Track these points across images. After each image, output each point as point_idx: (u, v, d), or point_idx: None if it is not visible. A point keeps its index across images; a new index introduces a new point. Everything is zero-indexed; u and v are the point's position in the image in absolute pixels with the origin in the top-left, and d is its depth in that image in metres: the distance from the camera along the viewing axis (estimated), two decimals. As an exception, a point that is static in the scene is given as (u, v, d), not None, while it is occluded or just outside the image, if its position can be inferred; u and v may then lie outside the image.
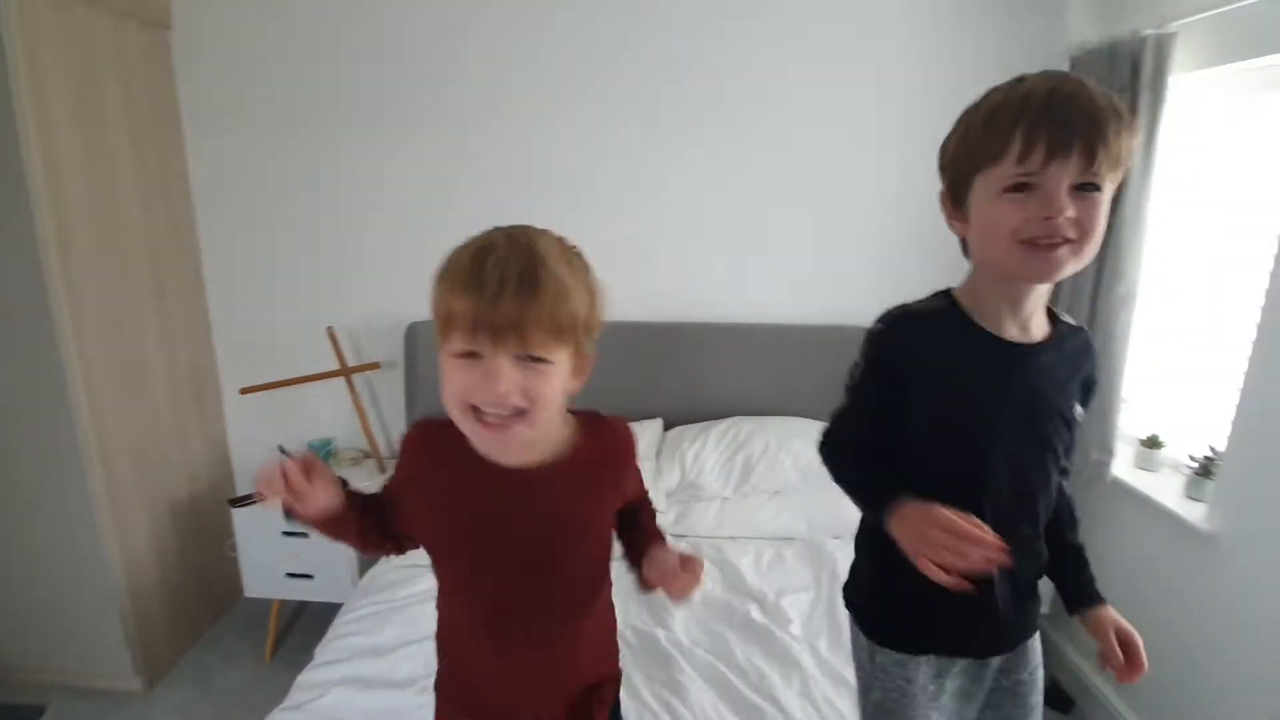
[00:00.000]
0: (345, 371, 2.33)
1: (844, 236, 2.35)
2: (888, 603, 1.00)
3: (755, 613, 1.70)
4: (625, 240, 2.37)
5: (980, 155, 0.79)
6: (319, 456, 0.94)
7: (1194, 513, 1.75)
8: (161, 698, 2.11)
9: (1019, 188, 0.76)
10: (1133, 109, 1.82)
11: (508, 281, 0.72)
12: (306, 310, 2.42)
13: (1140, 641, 0.96)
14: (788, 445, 2.15)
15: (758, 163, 2.31)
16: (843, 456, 0.99)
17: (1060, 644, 2.25)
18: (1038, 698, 1.04)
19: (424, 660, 1.49)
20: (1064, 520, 1.03)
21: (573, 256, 0.83)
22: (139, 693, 2.10)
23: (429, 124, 2.27)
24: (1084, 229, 0.76)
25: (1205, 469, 1.78)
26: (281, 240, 2.38)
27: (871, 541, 1.03)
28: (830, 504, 2.00)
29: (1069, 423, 0.92)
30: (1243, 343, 1.64)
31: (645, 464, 2.16)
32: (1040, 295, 0.89)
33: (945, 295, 0.93)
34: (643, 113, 2.27)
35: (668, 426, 2.33)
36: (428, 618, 1.61)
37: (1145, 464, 2.01)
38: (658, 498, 2.12)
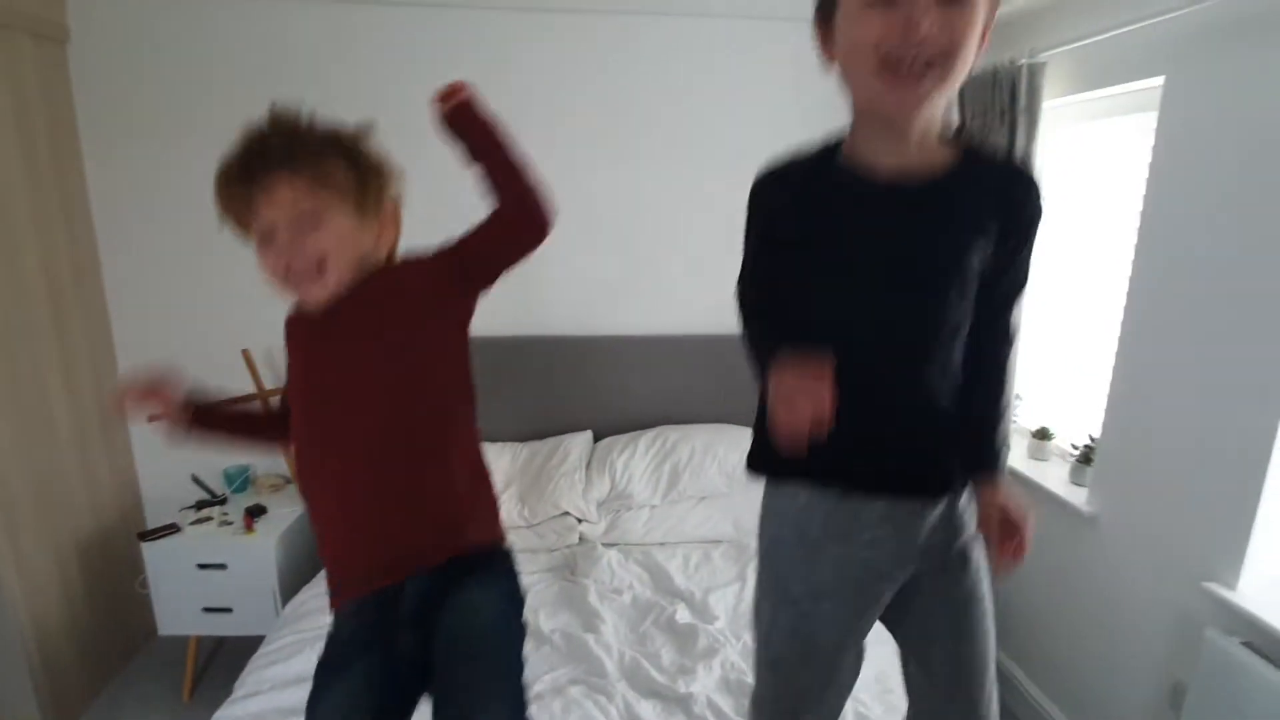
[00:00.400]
0: (263, 395, 2.26)
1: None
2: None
3: (682, 612, 1.75)
4: (554, 257, 2.40)
5: None
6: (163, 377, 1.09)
7: (1078, 497, 1.92)
8: (68, 748, 1.99)
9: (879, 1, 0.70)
10: (1012, 129, 2.00)
11: None
12: (221, 332, 2.34)
13: (1026, 531, 0.92)
14: (713, 451, 2.22)
15: (679, 180, 2.39)
16: (749, 326, 0.99)
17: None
18: (970, 582, 0.96)
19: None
20: (982, 386, 0.93)
21: None
22: (45, 743, 1.97)
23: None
24: (951, 42, 0.70)
25: (1086, 456, 1.96)
26: (192, 260, 2.29)
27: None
28: (756, 505, 2.08)
29: (961, 269, 0.83)
30: (1113, 339, 1.83)
31: (575, 476, 2.19)
32: (924, 127, 0.81)
33: (830, 140, 0.88)
34: (570, 134, 2.32)
35: (598, 438, 2.37)
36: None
37: (1037, 454, 2.18)
38: (589, 508, 2.16)
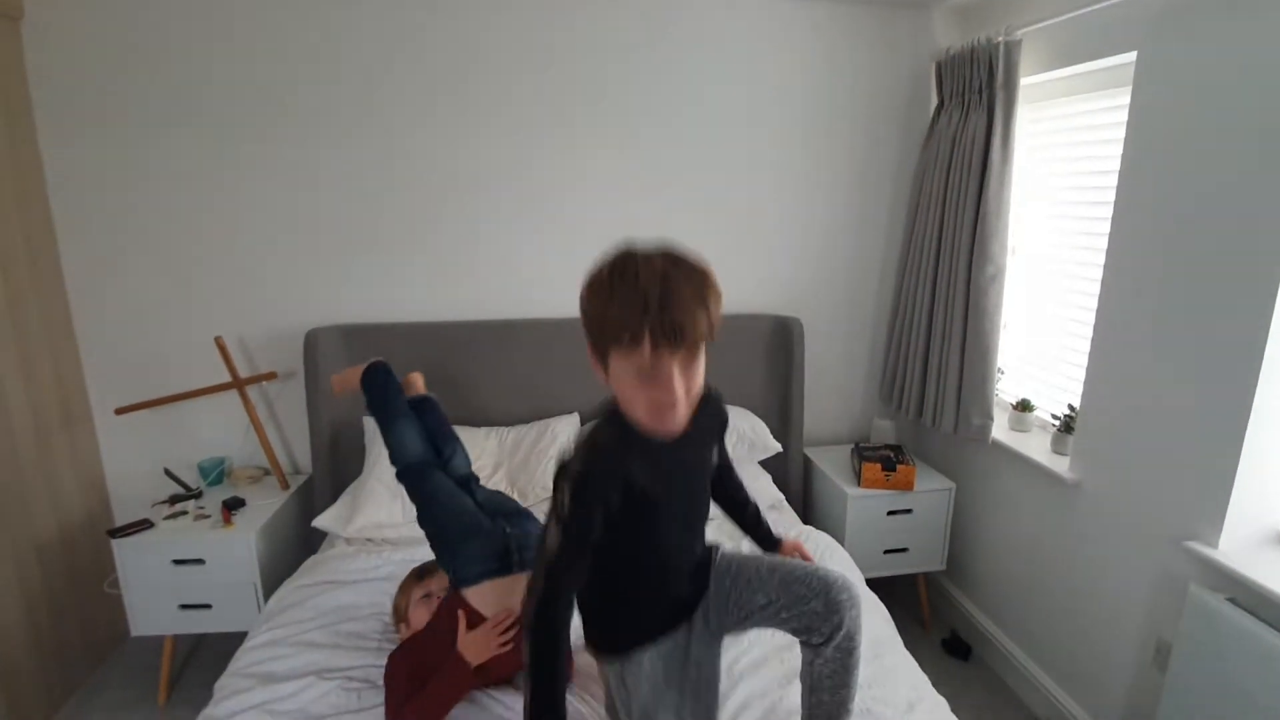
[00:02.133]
0: (238, 384, 2.18)
1: (745, 235, 2.46)
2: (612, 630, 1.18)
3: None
4: (536, 241, 2.37)
5: (611, 340, 0.91)
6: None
7: (1060, 465, 1.96)
8: (35, 758, 1.89)
9: (644, 373, 0.90)
10: (990, 105, 2.03)
11: None
12: (191, 320, 2.25)
13: (808, 554, 1.37)
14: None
15: (667, 164, 2.38)
16: (552, 625, 1.02)
17: (956, 596, 2.45)
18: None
19: (335, 690, 1.42)
20: (739, 500, 1.39)
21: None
22: (8, 755, 1.88)
23: (317, 122, 2.18)
24: (689, 390, 0.93)
25: (1067, 425, 2.00)
26: (157, 245, 2.19)
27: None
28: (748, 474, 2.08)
29: (708, 474, 1.23)
30: (1090, 311, 1.87)
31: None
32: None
33: (615, 420, 1.01)
34: (553, 113, 2.28)
35: (584, 421, 2.35)
36: (347, 639, 1.55)
37: (1018, 426, 2.22)
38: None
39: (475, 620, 1.40)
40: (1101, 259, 1.81)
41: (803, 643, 1.20)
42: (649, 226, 2.41)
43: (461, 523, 1.56)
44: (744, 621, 1.22)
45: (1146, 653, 1.71)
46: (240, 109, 2.13)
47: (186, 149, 2.14)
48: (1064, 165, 2.08)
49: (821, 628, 1.15)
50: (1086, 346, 1.88)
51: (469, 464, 1.88)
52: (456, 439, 1.91)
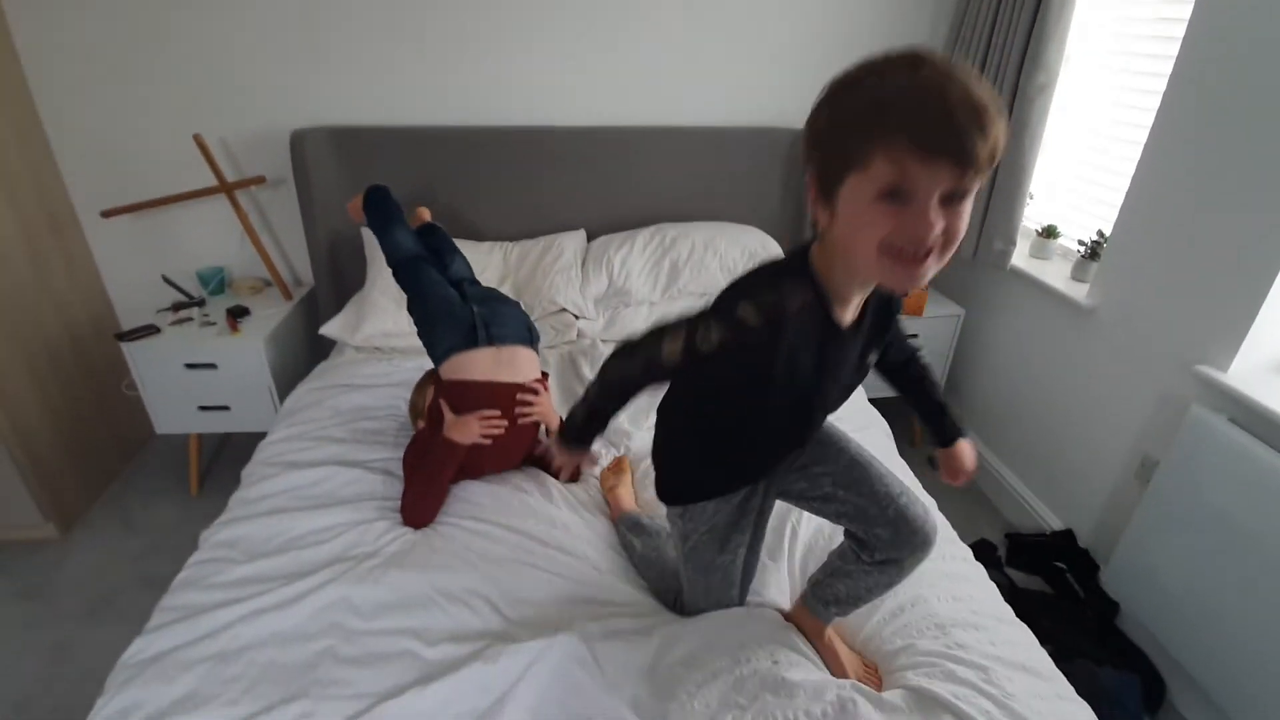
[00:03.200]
0: (226, 187, 2.07)
1: (763, 41, 2.20)
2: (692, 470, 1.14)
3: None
4: (540, 41, 2.12)
5: (853, 157, 0.71)
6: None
7: (1078, 291, 1.93)
8: (80, 541, 2.04)
9: (891, 194, 0.70)
10: None
11: None
12: (167, 119, 2.07)
13: (969, 475, 1.21)
14: (714, 247, 2.15)
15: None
16: (640, 372, 0.96)
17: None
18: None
19: (359, 477, 1.49)
20: (927, 383, 1.19)
21: None
22: (54, 540, 2.03)
23: None
24: (950, 238, 0.73)
25: (1093, 252, 1.94)
26: (124, 35, 1.95)
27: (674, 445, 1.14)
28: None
29: (869, 367, 1.04)
30: (1138, 134, 1.72)
31: (570, 273, 2.12)
32: None
33: (808, 279, 0.85)
34: None
35: (591, 238, 2.27)
36: (366, 435, 1.61)
37: (1040, 253, 2.16)
38: (586, 305, 2.12)
39: (464, 403, 1.46)
40: (1163, 81, 1.63)
41: (851, 540, 1.13)
42: (668, 34, 2.15)
43: (438, 307, 1.61)
44: (799, 500, 1.18)
45: (1131, 468, 1.79)
46: None
47: None
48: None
49: (876, 553, 1.08)
50: (1129, 169, 1.75)
51: (469, 269, 1.89)
52: (458, 251, 1.90)
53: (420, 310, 1.63)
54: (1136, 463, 1.76)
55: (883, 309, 0.97)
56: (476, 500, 1.45)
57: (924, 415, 1.20)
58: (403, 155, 2.14)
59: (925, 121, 0.66)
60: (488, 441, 1.45)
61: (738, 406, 0.96)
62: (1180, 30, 1.59)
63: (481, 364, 1.52)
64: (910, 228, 0.70)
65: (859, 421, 1.76)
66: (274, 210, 2.28)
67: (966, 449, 1.19)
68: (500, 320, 1.60)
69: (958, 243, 0.75)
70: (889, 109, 0.68)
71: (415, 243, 1.80)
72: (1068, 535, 1.95)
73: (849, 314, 0.89)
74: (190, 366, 2.02)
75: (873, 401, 1.93)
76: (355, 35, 2.05)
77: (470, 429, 1.43)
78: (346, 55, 2.07)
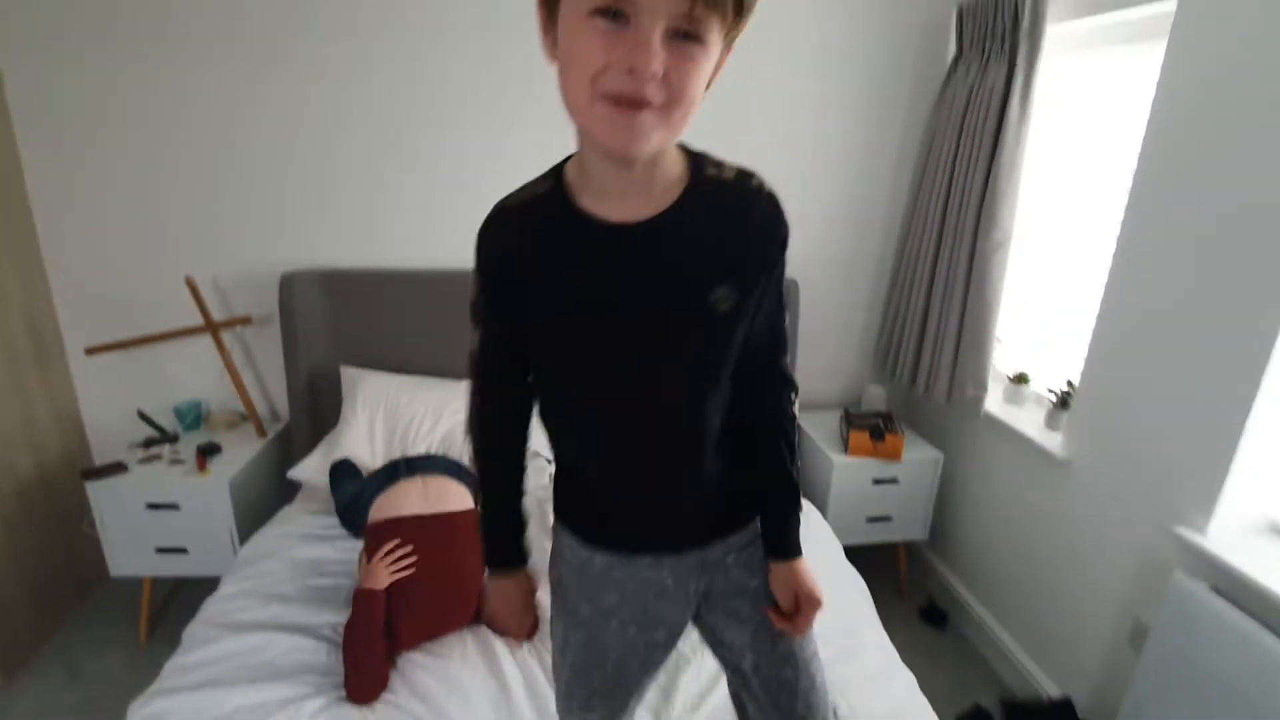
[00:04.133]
0: (211, 327, 2.12)
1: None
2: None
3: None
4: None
5: None
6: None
7: (1052, 441, 1.91)
8: (24, 688, 1.92)
9: (609, 12, 0.57)
10: (1012, 54, 1.88)
11: None
12: (164, 258, 2.16)
13: (814, 615, 0.89)
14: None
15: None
16: (480, 432, 0.88)
17: (936, 564, 2.45)
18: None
19: (302, 645, 1.41)
20: (769, 447, 0.86)
21: None
22: (-4, 686, 1.91)
23: (295, 44, 2.02)
24: (675, 90, 0.60)
25: (1064, 401, 1.94)
26: (128, 179, 2.08)
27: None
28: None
29: (706, 314, 0.73)
30: (1098, 284, 1.78)
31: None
32: (660, 159, 0.70)
33: (557, 171, 0.75)
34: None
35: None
36: (317, 594, 1.54)
37: (1013, 399, 2.16)
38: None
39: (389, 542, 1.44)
40: (1116, 229, 1.71)
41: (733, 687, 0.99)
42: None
43: (363, 483, 1.66)
44: (714, 638, 0.96)
45: (1122, 632, 1.70)
46: (214, 40, 1.98)
47: (152, 72, 1.99)
48: (1084, 125, 1.95)
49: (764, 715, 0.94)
50: (1091, 321, 1.80)
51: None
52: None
53: (350, 497, 1.65)
54: (1128, 627, 1.68)
55: (731, 220, 0.73)
56: (417, 680, 1.35)
57: (762, 511, 0.90)
58: (391, 296, 2.20)
59: None
60: (400, 575, 1.39)
61: (536, 356, 0.81)
62: (1128, 179, 1.67)
63: (409, 498, 1.49)
64: (626, 55, 0.57)
65: (830, 580, 1.69)
66: (260, 345, 2.32)
67: (801, 575, 0.88)
68: (423, 459, 1.58)
69: (687, 104, 0.62)
70: None
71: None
72: (1066, 707, 1.82)
73: (620, 205, 0.70)
74: (152, 507, 1.98)
75: (849, 552, 1.87)
76: (349, 185, 2.17)
77: (379, 573, 1.38)
78: (340, 203, 2.19)
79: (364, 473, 1.84)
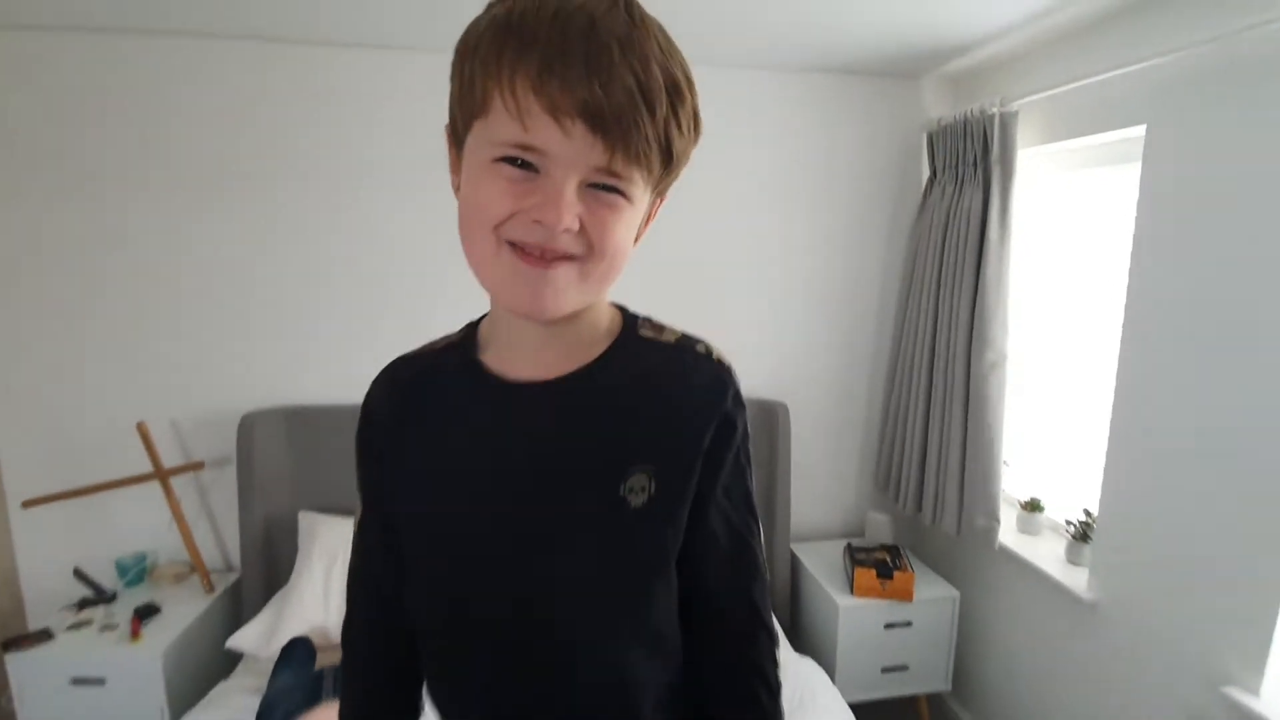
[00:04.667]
0: (161, 474, 1.98)
1: (720, 308, 2.29)
2: None
3: None
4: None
5: (475, 99, 0.50)
6: None
7: (1076, 579, 1.73)
8: None
9: (516, 161, 0.49)
10: (986, 179, 1.87)
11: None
12: (111, 404, 2.05)
13: None
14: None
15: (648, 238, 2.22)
16: (351, 646, 0.70)
17: (959, 715, 2.18)
18: None
19: None
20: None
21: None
22: None
23: (241, 186, 2.01)
24: (595, 244, 0.51)
25: (1083, 533, 1.78)
26: (72, 323, 2.01)
27: None
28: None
29: (615, 508, 0.56)
30: (1105, 403, 1.67)
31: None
32: (585, 312, 0.59)
33: (475, 322, 0.66)
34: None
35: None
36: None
37: (1027, 528, 2.00)
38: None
39: None
40: (1115, 347, 1.62)
41: None
42: (626, 295, 2.24)
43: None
44: None
45: (1188, 816, 1.45)
46: (167, 173, 1.98)
47: (96, 215, 1.96)
48: (1070, 242, 1.91)
49: None
50: (1103, 442, 1.67)
51: None
52: None
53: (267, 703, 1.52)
54: (1193, 809, 1.43)
55: (661, 388, 0.59)
56: None
57: None
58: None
59: (563, 57, 0.45)
60: None
61: (406, 537, 0.64)
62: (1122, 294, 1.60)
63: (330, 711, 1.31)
64: (535, 207, 0.49)
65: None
66: (217, 489, 2.17)
67: None
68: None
69: (610, 257, 0.52)
70: (515, 38, 0.47)
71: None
72: None
73: (529, 363, 0.58)
74: (77, 682, 1.76)
75: (864, 710, 1.64)
76: (313, 322, 2.11)
77: None
78: (304, 336, 2.12)
79: (317, 653, 1.65)
